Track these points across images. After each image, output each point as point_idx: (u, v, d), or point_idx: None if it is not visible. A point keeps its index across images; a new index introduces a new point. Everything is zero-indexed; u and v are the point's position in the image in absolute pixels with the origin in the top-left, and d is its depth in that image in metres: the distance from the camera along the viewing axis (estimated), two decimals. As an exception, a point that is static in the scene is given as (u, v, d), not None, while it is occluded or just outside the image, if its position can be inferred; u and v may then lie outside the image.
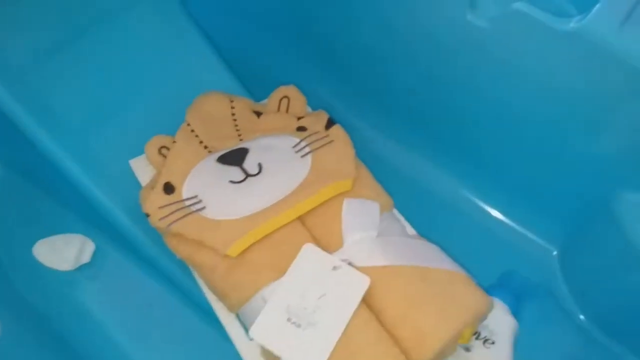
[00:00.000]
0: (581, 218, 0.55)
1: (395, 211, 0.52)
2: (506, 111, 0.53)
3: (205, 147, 0.52)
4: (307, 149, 0.50)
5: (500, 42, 0.47)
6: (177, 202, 0.47)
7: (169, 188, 0.48)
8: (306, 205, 0.46)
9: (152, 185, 0.50)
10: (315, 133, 0.52)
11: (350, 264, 0.44)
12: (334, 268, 0.43)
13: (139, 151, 0.53)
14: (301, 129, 0.53)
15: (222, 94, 0.56)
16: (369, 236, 0.46)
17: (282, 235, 0.46)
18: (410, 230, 0.52)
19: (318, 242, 0.46)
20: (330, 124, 0.52)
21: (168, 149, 0.52)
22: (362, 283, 0.42)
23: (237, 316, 0.47)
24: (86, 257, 0.56)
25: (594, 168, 0.51)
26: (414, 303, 0.43)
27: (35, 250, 0.56)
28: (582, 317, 0.57)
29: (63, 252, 0.55)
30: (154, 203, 0.47)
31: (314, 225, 0.47)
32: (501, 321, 0.52)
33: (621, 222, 0.50)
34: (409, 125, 0.62)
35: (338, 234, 0.46)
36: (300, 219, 0.47)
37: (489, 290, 0.54)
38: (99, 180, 0.52)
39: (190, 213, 0.46)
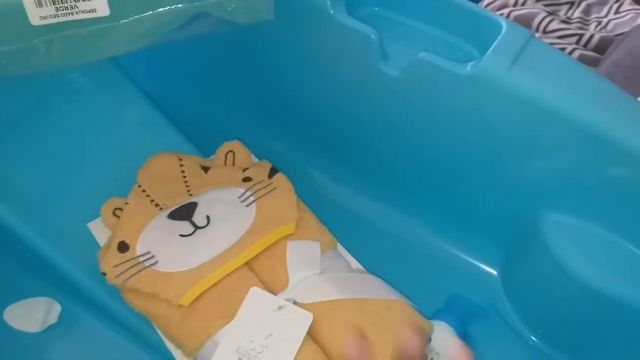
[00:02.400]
0: (515, 239, 0.59)
1: (339, 248, 0.56)
2: (434, 147, 0.57)
3: (157, 205, 0.55)
4: (251, 198, 0.54)
5: (412, 87, 0.52)
6: (131, 259, 0.51)
7: (123, 247, 0.51)
8: (251, 252, 0.50)
9: (108, 245, 0.53)
10: (260, 182, 0.56)
11: (295, 302, 0.47)
12: (279, 308, 0.46)
13: (96, 215, 0.57)
14: (246, 179, 0.57)
15: (171, 153, 0.60)
16: (312, 274, 0.49)
17: (231, 282, 0.49)
18: (355, 264, 0.56)
19: (265, 285, 0.49)
20: (272, 172, 0.57)
21: (122, 210, 0.56)
22: (306, 319, 0.45)
23: (194, 361, 0.50)
24: (53, 318, 0.58)
25: (520, 192, 0.55)
26: (353, 335, 0.46)
27: (5, 315, 0.58)
28: (528, 333, 0.59)
29: (31, 314, 0.57)
30: (110, 262, 0.50)
31: (261, 269, 0.50)
32: (447, 343, 0.54)
33: (547, 241, 0.53)
34: (350, 165, 0.66)
35: (284, 275, 0.49)
36: (248, 264, 0.50)
37: (436, 314, 0.57)
38: (60, 246, 0.55)
39: (143, 268, 0.50)
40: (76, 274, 0.55)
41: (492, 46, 0.48)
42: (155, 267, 0.50)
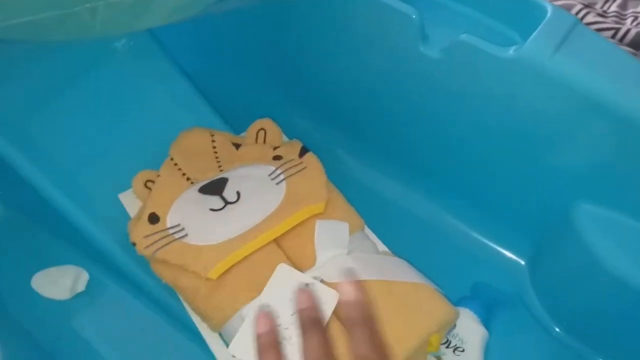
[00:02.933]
0: (546, 230, 0.58)
1: (367, 230, 0.56)
2: (467, 133, 0.56)
3: (188, 179, 0.56)
4: (281, 177, 0.54)
5: (452, 70, 0.51)
6: (162, 230, 0.51)
7: (153, 218, 0.52)
8: (281, 229, 0.50)
9: (138, 216, 0.53)
10: (290, 161, 0.56)
11: (322, 280, 0.47)
12: (306, 285, 0.46)
13: (127, 186, 0.57)
14: (277, 157, 0.57)
15: (204, 129, 0.60)
16: (340, 254, 0.49)
17: (259, 258, 0.49)
18: (382, 247, 0.55)
19: (293, 262, 0.50)
20: (303, 151, 0.57)
21: (153, 182, 0.56)
22: (332, 298, 0.45)
23: (220, 335, 0.50)
24: (81, 287, 0.59)
25: (554, 181, 0.54)
26: (380, 314, 0.46)
27: (33, 282, 0.59)
28: (552, 324, 0.59)
29: (59, 282, 0.58)
30: (140, 232, 0.51)
31: (289, 246, 0.51)
32: (471, 330, 0.54)
33: (580, 233, 0.52)
34: (378, 148, 0.66)
35: (311, 254, 0.49)
36: (276, 241, 0.51)
37: (461, 301, 0.57)
38: (91, 215, 0.55)
39: (173, 240, 0.50)
40: (105, 243, 0.56)
41: (536, 30, 0.47)
42: (184, 240, 0.50)
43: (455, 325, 0.52)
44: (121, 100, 0.60)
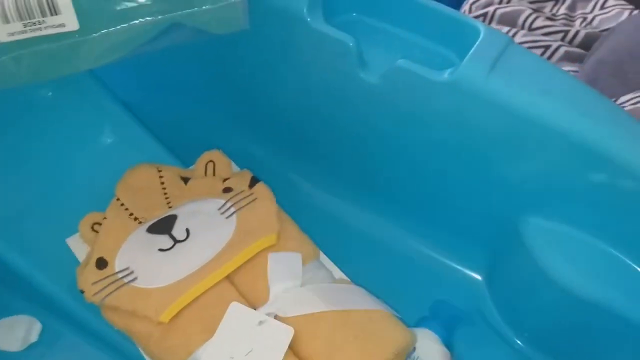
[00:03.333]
0: (499, 244, 0.58)
1: (322, 257, 0.55)
2: (415, 152, 0.57)
3: (136, 218, 0.54)
4: (232, 209, 0.53)
5: (391, 94, 0.51)
6: (110, 275, 0.50)
7: (101, 263, 0.50)
8: (231, 266, 0.49)
9: (86, 262, 0.52)
10: (240, 192, 0.55)
11: (276, 316, 0.46)
12: (260, 323, 0.45)
13: (74, 230, 0.56)
14: (227, 189, 0.56)
15: (150, 165, 0.59)
16: (293, 286, 0.48)
17: (211, 297, 0.48)
18: (338, 274, 0.55)
19: (246, 298, 0.48)
20: (253, 182, 0.56)
21: (101, 224, 0.55)
22: (286, 334, 0.44)
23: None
24: (34, 337, 0.57)
25: (502, 196, 0.54)
26: (336, 346, 0.45)
27: (-16, 336, 0.57)
28: (514, 338, 0.59)
29: (11, 333, 0.56)
30: (88, 279, 0.49)
31: (241, 282, 0.49)
32: (432, 351, 0.54)
33: (529, 246, 0.53)
34: (330, 171, 0.66)
35: (264, 288, 0.48)
36: (228, 277, 0.49)
37: (421, 322, 0.57)
38: (38, 262, 0.54)
39: (122, 285, 0.49)
40: (56, 291, 0.54)
41: (470, 52, 0.47)
42: (134, 284, 0.49)
43: (414, 349, 0.52)
44: (60, 140, 0.59)
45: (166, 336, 0.47)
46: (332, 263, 0.56)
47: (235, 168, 0.61)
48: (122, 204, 0.55)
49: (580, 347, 0.55)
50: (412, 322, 0.57)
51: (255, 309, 0.47)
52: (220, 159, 0.60)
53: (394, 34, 0.54)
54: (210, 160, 0.59)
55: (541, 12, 0.85)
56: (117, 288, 0.49)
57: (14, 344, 0.57)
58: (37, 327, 0.58)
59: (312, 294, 0.48)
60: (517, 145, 0.49)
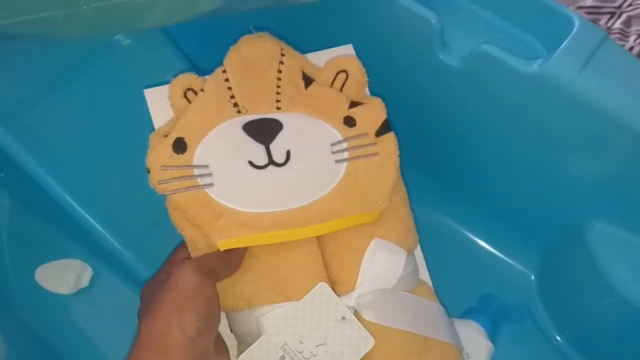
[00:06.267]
0: (556, 244, 0.57)
1: (417, 249, 0.49)
2: (484, 143, 0.55)
3: (236, 104, 0.43)
4: (345, 154, 0.43)
5: (471, 79, 0.49)
6: (185, 166, 0.41)
7: (180, 146, 0.41)
8: (324, 229, 0.41)
9: (164, 133, 0.43)
10: (363, 136, 0.43)
11: (356, 312, 0.41)
12: (343, 318, 0.39)
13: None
14: (349, 120, 0.44)
15: (277, 41, 0.46)
16: (385, 290, 0.41)
17: (294, 254, 0.41)
18: (424, 273, 0.49)
19: (329, 275, 0.42)
20: (383, 129, 0.44)
21: (196, 93, 0.44)
22: (366, 343, 0.39)
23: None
24: (85, 282, 0.59)
25: (571, 198, 0.53)
26: None
27: (37, 275, 0.59)
28: (559, 338, 0.59)
29: (63, 276, 0.58)
30: (159, 159, 0.41)
31: (332, 252, 0.42)
32: (477, 344, 0.54)
33: (591, 250, 0.51)
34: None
35: (353, 275, 0.41)
36: (318, 238, 0.42)
37: (467, 313, 0.56)
38: (94, 210, 0.54)
39: (195, 186, 0.40)
40: (109, 238, 0.54)
41: (563, 45, 0.44)
42: (208, 190, 0.40)
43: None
44: (126, 92, 0.58)
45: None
46: (422, 257, 0.49)
47: (367, 92, 0.48)
48: (227, 80, 0.44)
49: (620, 352, 0.55)
50: (459, 313, 0.57)
51: (333, 290, 0.40)
52: (356, 74, 0.45)
53: (479, 15, 0.51)
54: (344, 70, 0.45)
55: (597, 24, 0.82)
56: (188, 187, 0.40)
57: (65, 287, 0.58)
58: (89, 272, 0.59)
59: (399, 306, 0.42)
60: (598, 147, 0.47)
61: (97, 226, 0.54)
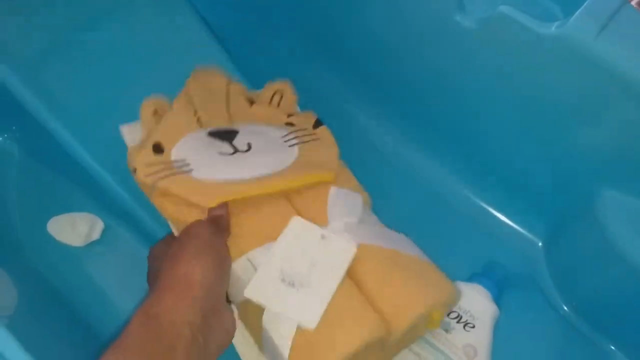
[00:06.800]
0: (565, 212, 0.57)
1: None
2: (495, 106, 0.55)
3: (198, 119, 0.51)
4: (294, 141, 0.51)
5: (487, 42, 0.49)
6: (166, 162, 0.47)
7: (158, 148, 0.48)
8: (291, 183, 0.47)
9: (142, 144, 0.50)
10: (304, 129, 0.52)
11: None
12: (322, 237, 0.44)
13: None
14: (289, 124, 0.53)
15: (222, 71, 0.56)
16: (352, 221, 0.47)
17: (269, 207, 0.47)
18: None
19: (302, 216, 0.46)
20: (317, 124, 0.53)
21: (161, 116, 0.52)
22: (349, 249, 0.44)
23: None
24: (96, 235, 0.59)
25: (578, 165, 0.53)
26: (388, 281, 0.44)
27: (49, 227, 0.59)
28: (564, 307, 0.59)
29: (75, 229, 0.59)
30: (142, 160, 0.47)
31: (300, 204, 0.48)
32: (482, 306, 0.54)
33: (601, 218, 0.52)
34: (400, 116, 0.65)
35: (324, 216, 0.47)
36: (287, 197, 0.48)
37: (473, 277, 0.57)
38: (107, 164, 0.55)
39: (177, 173, 0.47)
40: (120, 192, 0.55)
41: (582, 8, 0.44)
42: (189, 174, 0.47)
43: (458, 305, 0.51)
44: (139, 48, 0.58)
45: None
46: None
47: (297, 110, 0.58)
48: (190, 100, 0.53)
49: (628, 323, 0.55)
50: (464, 277, 0.57)
51: None
52: (288, 92, 0.56)
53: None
54: (278, 91, 0.56)
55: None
56: (172, 174, 0.46)
57: (76, 239, 0.59)
58: (100, 225, 0.60)
59: (368, 230, 0.47)
60: (614, 112, 0.47)
61: (109, 179, 0.55)
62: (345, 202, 0.49)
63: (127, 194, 0.55)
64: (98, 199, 0.60)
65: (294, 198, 0.48)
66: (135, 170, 0.47)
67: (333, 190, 0.49)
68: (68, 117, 0.54)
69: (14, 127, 0.64)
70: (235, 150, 0.48)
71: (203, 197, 0.45)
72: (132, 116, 0.56)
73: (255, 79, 0.61)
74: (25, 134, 0.62)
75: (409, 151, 0.65)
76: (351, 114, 0.67)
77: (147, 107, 0.52)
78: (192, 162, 0.47)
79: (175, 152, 0.48)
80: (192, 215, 0.46)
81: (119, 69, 0.58)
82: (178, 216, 0.47)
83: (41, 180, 0.62)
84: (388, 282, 0.44)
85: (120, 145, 0.56)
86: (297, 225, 0.45)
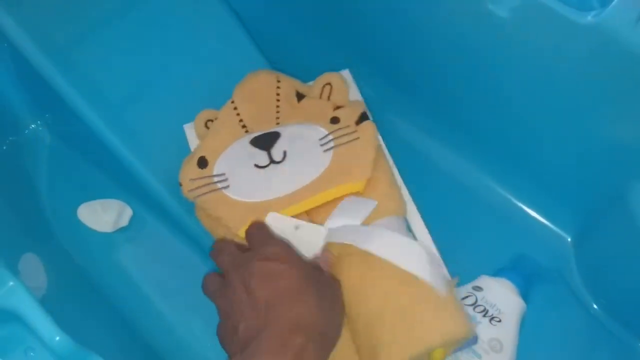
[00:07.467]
0: (597, 207, 0.56)
1: (416, 224, 0.52)
2: (527, 99, 0.54)
3: (244, 126, 0.54)
4: (331, 144, 0.51)
5: (521, 32, 0.48)
6: (207, 177, 0.51)
7: (202, 162, 0.52)
8: (310, 204, 0.49)
9: (192, 156, 0.53)
10: (345, 127, 0.52)
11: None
12: (296, 227, 0.47)
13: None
14: (335, 120, 0.53)
15: (271, 72, 0.57)
16: (350, 224, 0.47)
17: None
18: (426, 237, 0.51)
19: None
20: (362, 118, 0.53)
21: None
22: (320, 233, 0.47)
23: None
24: (124, 221, 0.60)
25: (610, 158, 0.52)
26: (387, 313, 0.44)
27: (79, 213, 0.61)
28: (592, 303, 0.58)
29: (104, 215, 0.60)
30: (188, 174, 0.51)
31: (319, 220, 0.49)
32: (509, 301, 0.53)
33: (634, 213, 0.50)
34: (429, 109, 0.64)
35: (327, 216, 0.48)
36: (308, 213, 0.50)
37: (501, 271, 0.56)
38: (137, 152, 0.56)
39: (215, 190, 0.50)
40: (149, 180, 0.56)
41: (619, -4, 0.43)
42: (225, 191, 0.50)
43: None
44: (171, 37, 0.59)
45: None
46: (425, 230, 0.51)
47: (359, 97, 0.58)
48: (235, 108, 0.55)
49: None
50: (492, 271, 0.56)
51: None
52: (338, 84, 0.56)
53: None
54: (328, 83, 0.56)
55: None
56: (210, 191, 0.50)
57: (105, 225, 0.60)
58: (128, 212, 0.61)
59: (369, 233, 0.46)
60: (649, 103, 0.46)
61: (139, 167, 0.56)
62: (350, 205, 0.49)
63: (156, 182, 0.56)
64: (127, 186, 0.60)
65: (315, 213, 0.50)
66: (180, 184, 0.51)
67: (346, 199, 0.49)
68: (100, 104, 0.55)
69: (47, 115, 0.65)
70: (270, 161, 0.51)
71: (231, 221, 0.49)
72: (162, 106, 0.57)
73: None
74: (58, 121, 0.64)
75: (437, 146, 0.64)
76: (381, 108, 0.66)
77: (199, 120, 0.55)
78: (230, 177, 0.51)
79: (218, 166, 0.52)
80: (223, 233, 0.50)
81: (151, 57, 0.58)
82: (213, 231, 0.51)
83: (72, 167, 0.64)
84: (376, 318, 0.44)
85: (147, 132, 0.57)
86: (273, 218, 0.48)
